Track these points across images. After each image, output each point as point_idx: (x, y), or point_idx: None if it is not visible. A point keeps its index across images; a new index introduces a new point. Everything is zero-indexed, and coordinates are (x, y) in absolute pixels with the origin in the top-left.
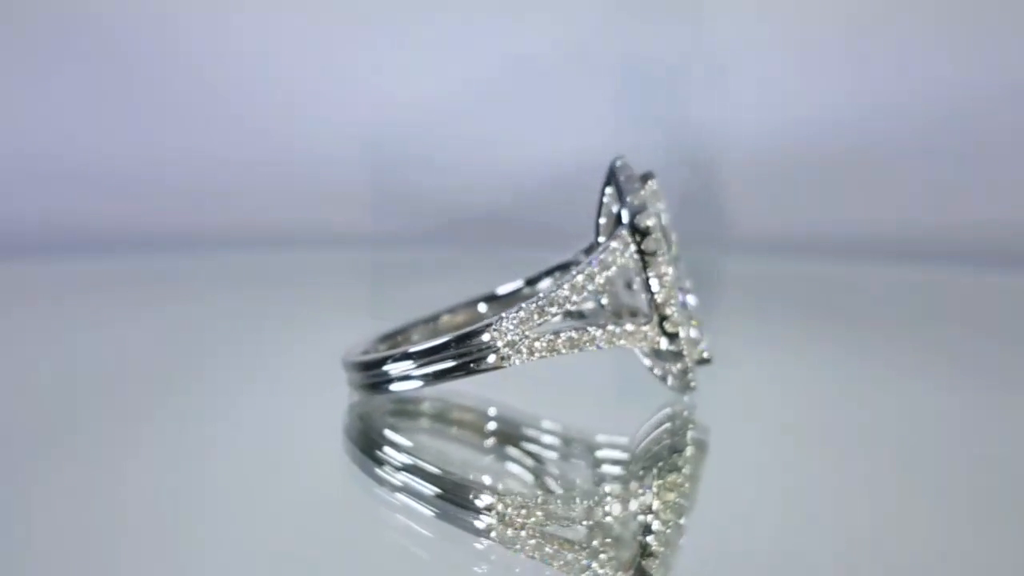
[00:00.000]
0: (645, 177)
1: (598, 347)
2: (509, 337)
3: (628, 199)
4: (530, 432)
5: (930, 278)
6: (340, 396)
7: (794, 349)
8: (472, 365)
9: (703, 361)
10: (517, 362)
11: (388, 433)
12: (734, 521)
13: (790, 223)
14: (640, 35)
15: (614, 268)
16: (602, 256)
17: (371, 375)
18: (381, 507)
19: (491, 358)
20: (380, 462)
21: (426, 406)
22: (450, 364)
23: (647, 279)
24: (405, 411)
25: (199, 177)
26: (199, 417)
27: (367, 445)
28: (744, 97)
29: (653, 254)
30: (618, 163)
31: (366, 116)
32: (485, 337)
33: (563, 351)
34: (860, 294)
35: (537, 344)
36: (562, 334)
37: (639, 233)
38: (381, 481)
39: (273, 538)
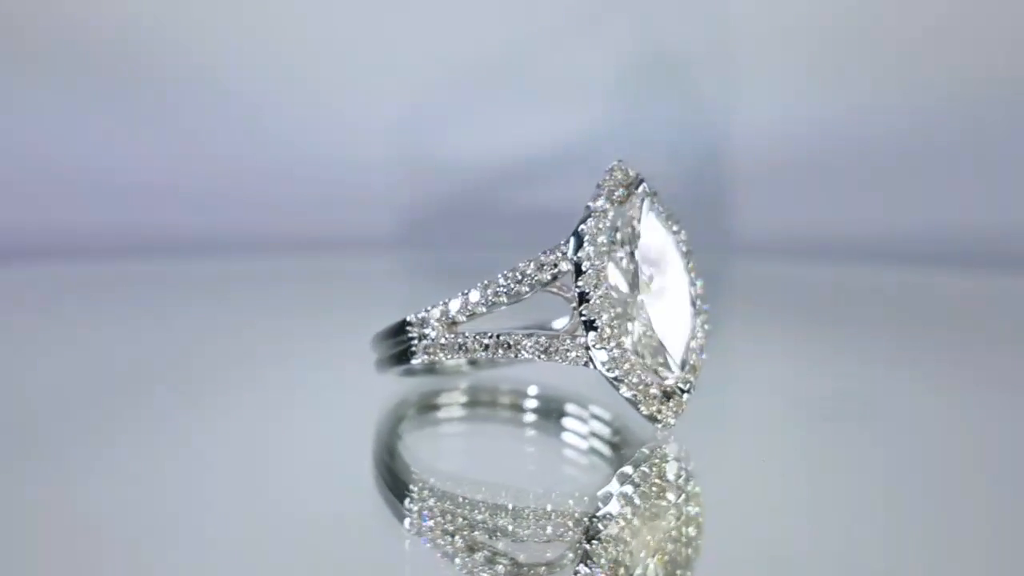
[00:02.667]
0: (631, 183)
1: (520, 357)
2: (431, 333)
3: (588, 204)
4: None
5: (952, 281)
6: (368, 408)
7: (804, 355)
8: (402, 356)
9: (672, 392)
10: (446, 360)
11: (415, 470)
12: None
13: (803, 225)
14: (649, 31)
15: (548, 274)
16: (533, 260)
17: (398, 342)
18: (406, 542)
19: (418, 354)
20: (409, 496)
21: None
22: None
23: (576, 291)
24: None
25: (214, 182)
26: (223, 425)
27: (397, 473)
28: (755, 96)
29: (585, 269)
30: (612, 165)
31: (373, 114)
32: (410, 331)
33: (481, 355)
34: (878, 298)
35: (456, 343)
36: (484, 336)
37: (579, 241)
38: (408, 514)
39: (286, 560)
